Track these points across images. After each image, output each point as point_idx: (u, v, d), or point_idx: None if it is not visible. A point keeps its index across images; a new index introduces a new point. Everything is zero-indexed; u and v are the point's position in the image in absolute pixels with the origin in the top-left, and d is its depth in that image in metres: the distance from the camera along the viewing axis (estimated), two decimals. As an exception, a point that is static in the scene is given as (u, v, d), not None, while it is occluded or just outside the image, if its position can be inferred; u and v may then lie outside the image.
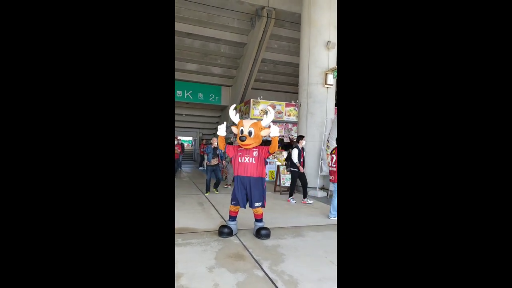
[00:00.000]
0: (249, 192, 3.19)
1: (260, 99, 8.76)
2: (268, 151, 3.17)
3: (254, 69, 10.57)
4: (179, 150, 8.66)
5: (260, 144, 3.29)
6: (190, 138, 19.34)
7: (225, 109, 13.51)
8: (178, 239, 3.06)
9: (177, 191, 6.15)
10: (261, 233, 3.15)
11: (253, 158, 3.19)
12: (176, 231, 3.34)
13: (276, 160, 8.11)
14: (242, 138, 3.09)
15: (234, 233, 3.25)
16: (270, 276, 2.27)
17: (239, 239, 3.12)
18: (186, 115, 15.08)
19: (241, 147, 3.22)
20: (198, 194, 5.90)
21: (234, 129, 3.31)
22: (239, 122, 3.25)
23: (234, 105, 3.53)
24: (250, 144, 3.15)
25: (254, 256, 2.66)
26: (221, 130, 3.34)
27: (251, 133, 3.14)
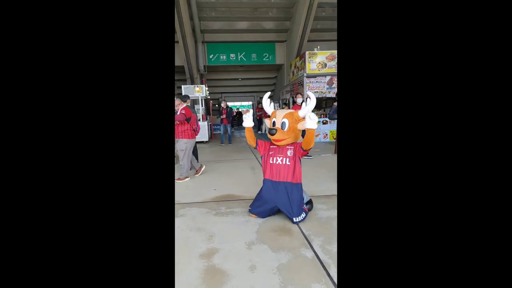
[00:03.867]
0: (283, 202, 2.39)
1: (317, 50, 7.68)
2: (302, 148, 2.36)
3: (309, 16, 9.27)
4: (224, 115, 8.09)
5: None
6: (250, 103, 19.41)
7: (281, 68, 12.67)
8: (221, 208, 2.82)
9: (231, 156, 6.03)
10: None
11: (288, 159, 2.42)
12: (221, 199, 3.11)
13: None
14: (272, 131, 2.36)
15: (283, 202, 2.82)
16: (321, 258, 1.81)
17: (288, 209, 2.70)
18: (242, 79, 14.78)
19: (274, 145, 2.53)
20: (251, 158, 5.64)
21: (266, 121, 2.58)
22: (272, 113, 2.54)
23: (268, 93, 2.75)
24: (282, 140, 2.41)
25: (304, 231, 2.21)
26: (248, 120, 2.55)
27: (285, 125, 2.39)
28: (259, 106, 6.26)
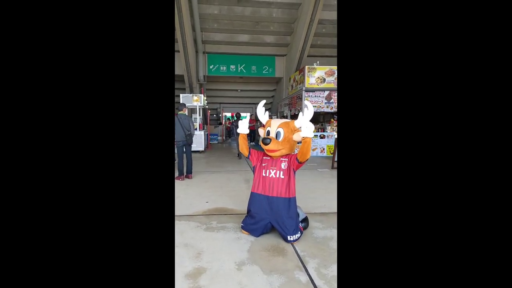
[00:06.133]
0: (276, 219, 2.24)
1: (317, 65, 7.71)
2: (297, 159, 2.22)
3: (310, 32, 9.39)
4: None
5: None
6: (248, 114, 19.43)
7: (280, 81, 12.72)
8: (212, 222, 2.68)
9: (226, 166, 5.90)
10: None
11: (282, 172, 2.27)
12: (212, 212, 2.97)
13: (334, 132, 7.18)
14: (266, 141, 2.24)
15: (277, 218, 2.69)
16: (316, 283, 1.68)
17: (283, 226, 2.57)
18: (241, 90, 14.81)
19: (267, 156, 2.39)
20: (246, 170, 5.52)
21: (261, 131, 2.46)
22: (266, 122, 2.43)
23: (263, 101, 2.64)
24: (276, 151, 2.27)
25: (298, 252, 2.08)
26: (243, 126, 2.42)
27: (279, 135, 2.26)
28: (252, 117, 6.16)
